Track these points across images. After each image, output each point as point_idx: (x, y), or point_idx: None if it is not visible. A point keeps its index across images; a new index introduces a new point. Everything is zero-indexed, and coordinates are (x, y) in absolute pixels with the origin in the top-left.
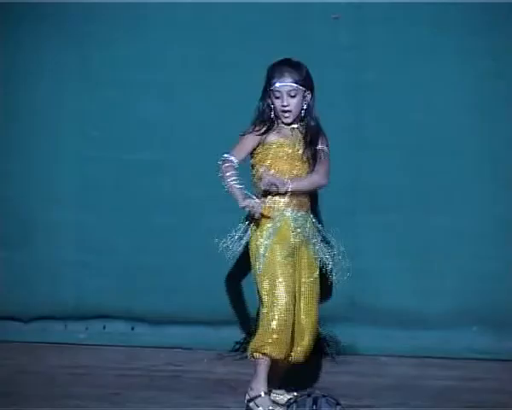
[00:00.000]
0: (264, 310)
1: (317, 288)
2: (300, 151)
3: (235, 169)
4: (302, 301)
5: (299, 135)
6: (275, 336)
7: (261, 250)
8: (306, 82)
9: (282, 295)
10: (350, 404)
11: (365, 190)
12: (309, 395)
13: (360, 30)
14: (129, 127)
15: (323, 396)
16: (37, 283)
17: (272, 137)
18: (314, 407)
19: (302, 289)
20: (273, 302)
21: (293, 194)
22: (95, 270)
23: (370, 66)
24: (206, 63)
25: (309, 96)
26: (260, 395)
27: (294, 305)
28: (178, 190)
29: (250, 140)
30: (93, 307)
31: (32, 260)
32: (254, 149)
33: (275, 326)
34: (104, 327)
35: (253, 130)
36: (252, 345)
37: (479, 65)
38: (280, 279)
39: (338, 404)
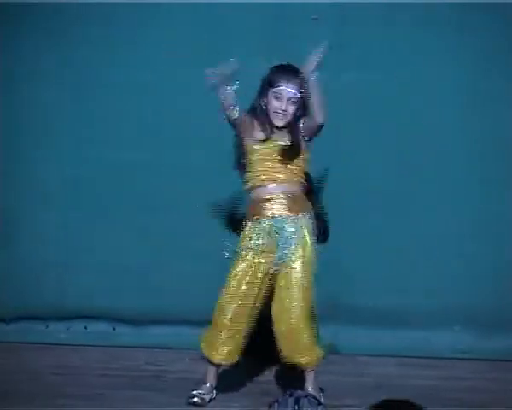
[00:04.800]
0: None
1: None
2: (276, 149)
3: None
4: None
5: (284, 134)
6: None
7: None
8: (306, 92)
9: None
10: (332, 403)
11: (347, 190)
12: (291, 395)
13: (342, 30)
14: (116, 128)
15: (305, 396)
16: (19, 283)
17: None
18: (296, 407)
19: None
20: None
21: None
22: (76, 270)
23: (352, 66)
24: (195, 63)
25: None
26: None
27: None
28: (163, 190)
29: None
30: (74, 307)
31: (13, 260)
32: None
33: None
34: (86, 327)
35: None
36: None
37: (464, 64)
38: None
39: (320, 404)
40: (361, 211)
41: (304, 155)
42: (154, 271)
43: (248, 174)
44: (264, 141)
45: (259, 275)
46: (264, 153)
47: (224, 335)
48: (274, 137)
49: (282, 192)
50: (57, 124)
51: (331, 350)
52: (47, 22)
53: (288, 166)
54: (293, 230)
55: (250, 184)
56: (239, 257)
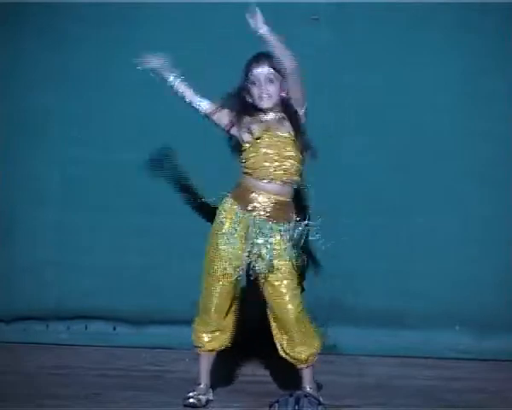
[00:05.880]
0: None
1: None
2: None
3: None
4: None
5: (280, 121)
6: None
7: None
8: (283, 70)
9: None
10: (332, 404)
11: (347, 191)
12: (291, 395)
13: (342, 30)
14: (111, 128)
15: (305, 396)
16: (18, 283)
17: (256, 127)
18: (296, 407)
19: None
20: None
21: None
22: (76, 270)
23: (351, 66)
24: (189, 63)
25: (285, 85)
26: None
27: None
28: (161, 190)
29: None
30: (74, 307)
31: (13, 261)
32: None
33: None
34: (86, 327)
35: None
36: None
37: (464, 64)
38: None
39: (320, 404)
40: (361, 212)
41: (301, 149)
42: (154, 271)
43: (244, 158)
44: (262, 134)
45: (234, 253)
46: (262, 145)
47: (213, 321)
48: (272, 128)
49: (272, 192)
50: (56, 124)
51: (329, 347)
52: (47, 22)
53: (286, 160)
54: (269, 236)
55: (244, 167)
56: (214, 241)
